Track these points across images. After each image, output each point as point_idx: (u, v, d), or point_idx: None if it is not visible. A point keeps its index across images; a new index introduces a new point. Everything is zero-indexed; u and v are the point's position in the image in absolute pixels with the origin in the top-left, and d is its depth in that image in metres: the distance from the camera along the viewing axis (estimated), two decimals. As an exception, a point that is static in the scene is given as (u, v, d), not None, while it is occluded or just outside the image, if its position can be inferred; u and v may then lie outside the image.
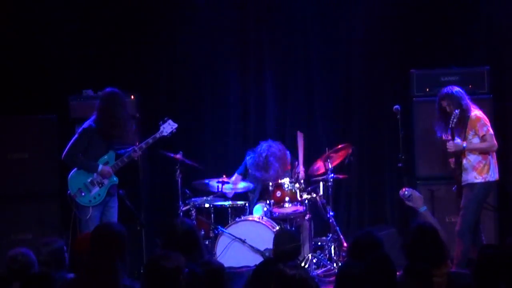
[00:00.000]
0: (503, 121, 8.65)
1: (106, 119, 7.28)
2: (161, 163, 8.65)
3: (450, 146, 7.32)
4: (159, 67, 9.34)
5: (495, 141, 7.41)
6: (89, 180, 7.29)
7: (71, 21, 9.05)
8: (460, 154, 7.36)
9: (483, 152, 7.38)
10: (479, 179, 7.37)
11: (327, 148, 8.26)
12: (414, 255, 4.89)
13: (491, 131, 7.39)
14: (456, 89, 7.47)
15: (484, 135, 7.35)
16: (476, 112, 7.40)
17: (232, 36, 9.38)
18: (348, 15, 9.21)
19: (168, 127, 7.51)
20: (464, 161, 7.38)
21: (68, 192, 7.31)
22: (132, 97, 8.56)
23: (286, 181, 8.16)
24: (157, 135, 7.49)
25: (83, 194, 7.27)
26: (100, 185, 7.30)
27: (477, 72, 8.46)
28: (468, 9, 8.93)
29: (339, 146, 8.27)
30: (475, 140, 7.37)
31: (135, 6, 9.24)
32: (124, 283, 4.61)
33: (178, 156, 8.05)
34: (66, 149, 7.34)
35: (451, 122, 7.25)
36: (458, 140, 7.31)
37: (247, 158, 8.64)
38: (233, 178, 8.54)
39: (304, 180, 8.39)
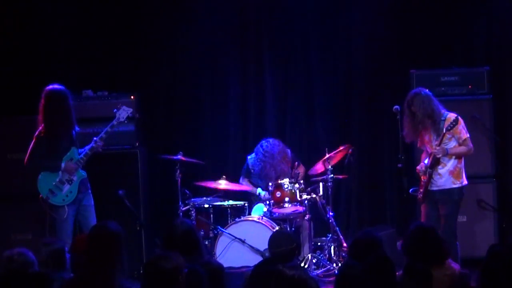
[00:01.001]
0: (503, 121, 8.65)
1: (50, 118, 7.25)
2: (160, 163, 8.64)
3: (439, 150, 7.18)
4: (159, 67, 9.34)
5: (471, 144, 7.32)
6: (57, 180, 7.26)
7: (71, 21, 9.06)
8: (435, 160, 7.22)
9: (459, 156, 7.28)
10: (457, 184, 7.25)
11: (327, 148, 8.26)
12: (413, 254, 4.88)
13: (468, 134, 7.31)
14: (424, 91, 7.35)
15: (465, 138, 7.25)
16: (454, 114, 7.26)
17: (232, 36, 9.39)
18: (348, 15, 9.21)
19: (124, 112, 7.44)
20: (439, 166, 7.24)
21: (40, 196, 7.29)
22: (132, 97, 8.56)
23: (286, 181, 8.16)
24: (114, 122, 7.42)
25: (55, 194, 7.26)
26: (70, 182, 7.27)
27: (477, 72, 8.45)
28: (468, 9, 8.93)
29: (340, 149, 8.24)
30: (452, 143, 7.24)
31: (135, 6, 9.24)
32: (122, 283, 4.60)
33: (178, 157, 8.05)
34: (27, 156, 7.31)
35: (446, 127, 7.12)
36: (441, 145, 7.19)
37: (249, 158, 8.64)
38: (245, 182, 8.60)
39: (304, 181, 8.41)
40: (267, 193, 8.28)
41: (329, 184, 8.14)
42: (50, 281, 4.70)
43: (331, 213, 8.18)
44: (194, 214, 8.12)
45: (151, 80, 9.28)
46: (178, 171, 8.09)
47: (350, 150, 8.31)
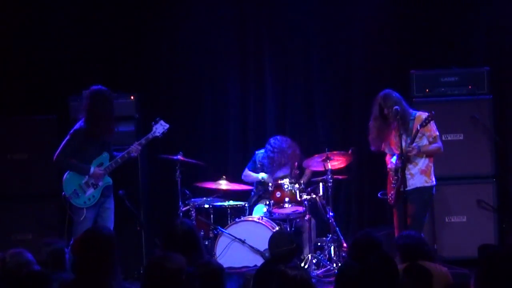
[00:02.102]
0: (503, 121, 8.65)
1: (94, 118, 7.26)
2: (161, 163, 8.64)
3: (412, 149, 7.14)
4: (159, 67, 9.34)
5: (441, 143, 7.31)
6: (83, 182, 7.28)
7: (71, 21, 9.06)
8: (406, 159, 7.17)
9: (430, 155, 7.26)
10: (429, 183, 7.24)
11: (327, 148, 8.25)
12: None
13: (438, 132, 7.29)
14: (395, 93, 7.35)
15: (435, 136, 7.23)
16: (423, 113, 7.26)
17: (232, 36, 9.39)
18: (348, 15, 9.21)
19: (160, 127, 7.55)
20: (410, 166, 7.21)
21: (63, 193, 7.29)
22: (132, 97, 8.57)
23: (286, 181, 8.16)
24: (150, 136, 7.52)
25: (78, 195, 7.26)
26: (95, 187, 7.29)
27: (477, 72, 8.44)
28: (468, 9, 8.93)
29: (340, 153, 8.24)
30: (423, 141, 7.23)
31: (135, 6, 9.24)
32: (120, 285, 4.59)
33: (178, 157, 8.06)
34: (57, 151, 7.31)
35: (421, 123, 7.08)
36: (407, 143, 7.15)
37: (257, 153, 8.67)
38: (248, 173, 8.63)
39: (304, 181, 8.42)
40: (269, 176, 8.28)
41: (329, 184, 8.14)
42: (47, 281, 4.68)
43: (331, 213, 8.17)
44: (194, 214, 8.13)
45: (151, 80, 9.28)
46: (178, 171, 8.09)
47: (350, 150, 8.29)
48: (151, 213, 8.79)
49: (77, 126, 7.34)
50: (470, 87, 8.38)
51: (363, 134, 9.14)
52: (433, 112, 7.17)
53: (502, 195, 8.48)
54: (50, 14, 9.00)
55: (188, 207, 8.18)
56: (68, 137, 7.33)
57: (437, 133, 7.28)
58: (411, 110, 7.37)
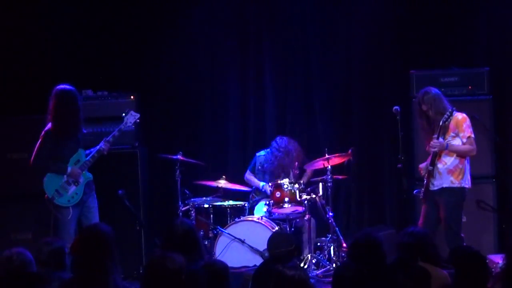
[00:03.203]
0: (503, 122, 8.66)
1: (58, 117, 7.22)
2: (160, 163, 8.65)
3: (436, 143, 7.08)
4: (159, 67, 9.35)
5: (475, 145, 7.25)
6: (64, 181, 7.25)
7: (71, 21, 9.07)
8: (435, 156, 7.14)
9: (461, 156, 7.18)
10: (456, 184, 7.14)
11: (326, 149, 8.26)
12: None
13: (473, 134, 7.26)
14: (434, 90, 7.32)
15: (469, 136, 7.17)
16: (460, 113, 7.23)
17: (232, 36, 9.39)
18: (348, 15, 9.22)
19: (131, 117, 7.51)
20: (439, 165, 7.17)
21: (46, 196, 7.27)
22: (132, 97, 8.57)
23: (285, 181, 8.16)
24: (122, 126, 7.46)
25: (61, 194, 7.25)
26: (76, 184, 7.26)
27: (477, 73, 8.45)
28: (468, 9, 8.93)
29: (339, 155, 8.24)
30: (455, 142, 7.17)
31: (135, 6, 9.25)
32: (118, 284, 4.59)
33: (178, 157, 8.06)
34: (33, 155, 7.27)
35: (443, 120, 7.07)
36: (441, 139, 7.11)
37: (258, 155, 8.67)
38: (251, 177, 8.64)
39: (304, 181, 8.43)
40: (268, 185, 8.29)
41: (329, 184, 8.14)
42: (48, 281, 4.68)
43: (330, 214, 8.17)
44: (193, 214, 8.13)
45: (151, 80, 9.29)
46: (178, 171, 8.09)
47: (349, 151, 8.29)
48: (151, 213, 8.79)
49: (47, 127, 7.30)
50: (470, 87, 8.38)
51: (363, 134, 9.18)
52: (454, 107, 7.14)
53: (502, 195, 8.48)
54: (50, 14, 9.00)
55: (188, 207, 8.18)
56: (40, 139, 7.28)
57: (471, 134, 7.19)
58: (454, 111, 7.23)
